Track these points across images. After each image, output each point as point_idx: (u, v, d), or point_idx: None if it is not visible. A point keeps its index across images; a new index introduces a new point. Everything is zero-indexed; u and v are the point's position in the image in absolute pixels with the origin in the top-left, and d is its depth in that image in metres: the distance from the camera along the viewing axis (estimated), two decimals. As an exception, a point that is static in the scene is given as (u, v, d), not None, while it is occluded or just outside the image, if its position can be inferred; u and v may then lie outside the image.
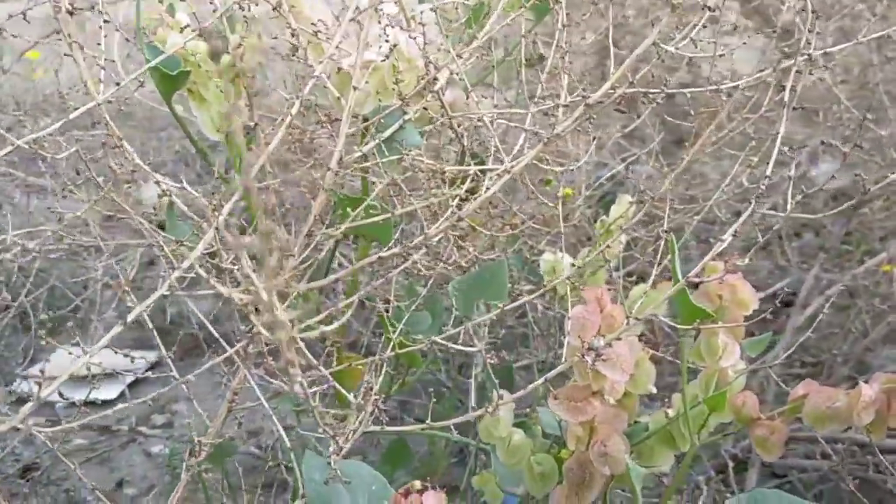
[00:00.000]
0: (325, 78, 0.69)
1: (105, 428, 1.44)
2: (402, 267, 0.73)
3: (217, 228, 0.52)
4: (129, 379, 1.58)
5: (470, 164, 0.76)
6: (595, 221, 1.02)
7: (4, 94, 1.92)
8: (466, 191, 0.71)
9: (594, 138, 0.66)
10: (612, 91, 0.61)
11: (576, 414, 0.69)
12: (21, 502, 1.36)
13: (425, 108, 0.75)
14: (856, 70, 1.32)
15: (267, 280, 0.31)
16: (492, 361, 0.62)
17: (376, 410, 0.66)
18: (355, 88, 0.67)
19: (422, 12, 0.78)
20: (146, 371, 1.55)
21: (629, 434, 0.80)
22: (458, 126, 0.76)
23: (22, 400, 1.54)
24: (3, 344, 1.49)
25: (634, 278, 0.95)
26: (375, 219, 0.69)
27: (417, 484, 0.49)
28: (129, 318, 0.53)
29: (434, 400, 0.73)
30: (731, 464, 1.08)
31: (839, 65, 1.21)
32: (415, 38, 0.65)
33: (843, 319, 1.23)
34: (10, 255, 0.98)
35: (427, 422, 0.67)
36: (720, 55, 0.62)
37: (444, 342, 0.63)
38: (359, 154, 0.69)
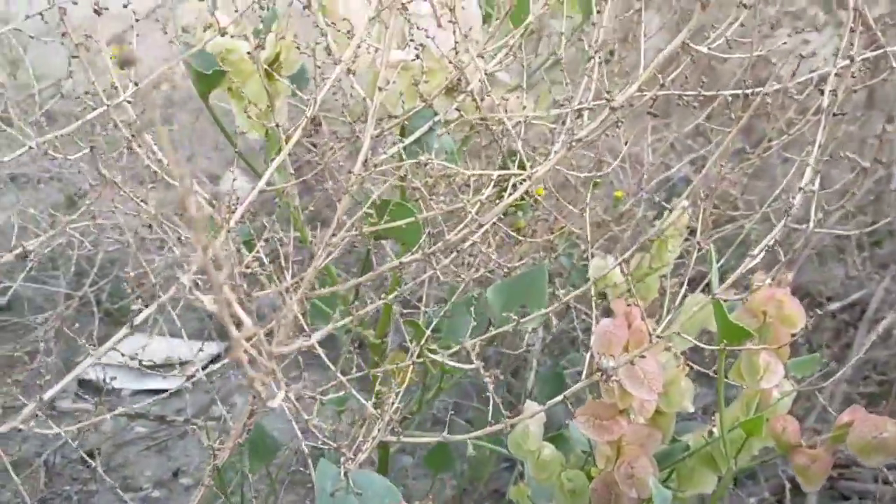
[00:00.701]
0: (351, 77, 0.67)
1: (161, 418, 1.47)
2: (428, 274, 0.71)
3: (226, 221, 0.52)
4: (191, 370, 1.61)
5: (509, 168, 0.73)
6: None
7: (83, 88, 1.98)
8: (496, 195, 0.69)
9: (626, 141, 0.63)
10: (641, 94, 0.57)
11: (601, 433, 0.65)
12: (82, 486, 1.40)
13: (458, 110, 0.73)
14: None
15: (202, 251, 0.30)
16: (486, 378, 0.59)
17: (392, 420, 0.64)
18: (380, 89, 0.65)
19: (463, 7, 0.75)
20: (209, 363, 1.58)
21: (666, 454, 0.76)
22: (493, 128, 0.73)
23: (93, 386, 1.60)
24: (71, 333, 1.53)
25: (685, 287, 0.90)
26: (399, 222, 0.67)
27: None
28: (137, 320, 0.53)
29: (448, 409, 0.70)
30: (788, 485, 1.02)
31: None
32: (433, 38, 0.63)
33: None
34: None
35: (444, 434, 0.65)
36: (761, 51, 0.58)
37: (430, 355, 0.60)
38: (384, 157, 0.67)
